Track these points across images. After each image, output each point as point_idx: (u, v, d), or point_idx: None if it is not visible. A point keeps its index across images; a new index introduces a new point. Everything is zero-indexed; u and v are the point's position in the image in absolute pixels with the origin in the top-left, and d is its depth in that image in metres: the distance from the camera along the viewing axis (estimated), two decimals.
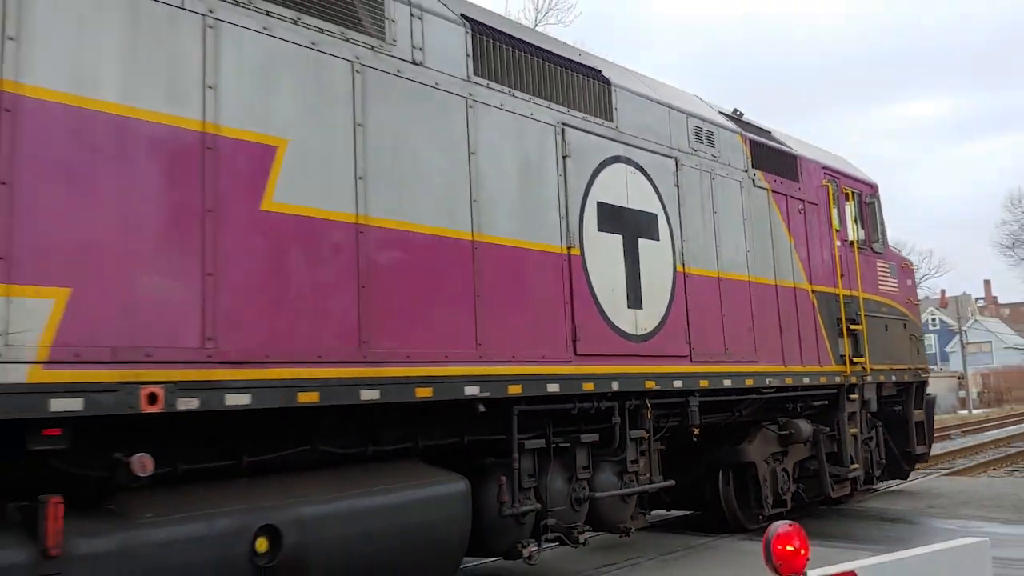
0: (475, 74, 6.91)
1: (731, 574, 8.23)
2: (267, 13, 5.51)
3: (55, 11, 4.50)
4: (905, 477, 13.76)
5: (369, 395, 5.65)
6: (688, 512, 11.33)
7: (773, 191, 10.58)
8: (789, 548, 3.11)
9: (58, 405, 4.25)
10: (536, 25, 26.67)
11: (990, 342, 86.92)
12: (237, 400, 4.95)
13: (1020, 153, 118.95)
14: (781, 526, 3.14)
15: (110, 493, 4.65)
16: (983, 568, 3.72)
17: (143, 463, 4.57)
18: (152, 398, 4.59)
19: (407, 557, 5.86)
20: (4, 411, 4.07)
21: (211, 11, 5.20)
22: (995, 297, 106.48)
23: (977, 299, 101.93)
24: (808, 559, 3.13)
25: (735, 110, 11.18)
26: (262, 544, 5.06)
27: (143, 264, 4.68)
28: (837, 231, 11.85)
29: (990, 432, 29.66)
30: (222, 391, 4.89)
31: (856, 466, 11.55)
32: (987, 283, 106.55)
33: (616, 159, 8.16)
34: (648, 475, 8.39)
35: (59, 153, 4.43)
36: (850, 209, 12.40)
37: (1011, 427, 31.85)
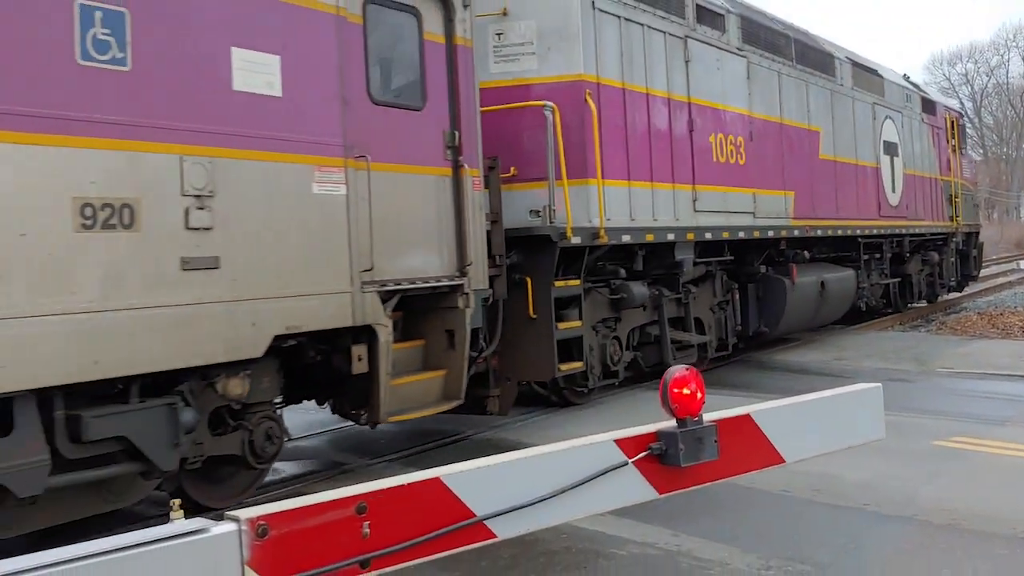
0: (854, 86, 15.01)
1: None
2: (823, 77, 13.55)
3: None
4: (961, 290, 22.68)
5: (819, 232, 14.01)
6: None
7: (929, 124, 18.89)
8: (686, 391, 3.03)
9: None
10: None
11: None
12: (815, 233, 13.27)
13: None
14: (678, 370, 3.08)
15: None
16: (876, 412, 3.73)
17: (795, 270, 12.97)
18: (785, 232, 12.91)
19: (843, 293, 14.42)
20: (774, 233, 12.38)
21: (785, 75, 13.24)
22: None
23: None
24: (704, 403, 3.09)
25: (904, 74, 19.32)
26: (820, 288, 13.50)
27: (804, 182, 12.88)
28: (949, 143, 20.28)
29: None
30: (804, 228, 13.22)
31: (953, 278, 20.48)
32: None
33: (887, 117, 16.38)
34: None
35: (771, 150, 12.59)
36: (953, 128, 20.79)
37: None
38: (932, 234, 18.82)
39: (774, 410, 3.40)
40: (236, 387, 5.51)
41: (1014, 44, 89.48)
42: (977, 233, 22.61)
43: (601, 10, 8.88)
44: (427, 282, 6.86)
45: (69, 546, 1.98)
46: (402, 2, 6.80)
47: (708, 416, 3.16)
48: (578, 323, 8.62)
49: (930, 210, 18.50)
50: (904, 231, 16.94)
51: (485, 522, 2.64)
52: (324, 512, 2.34)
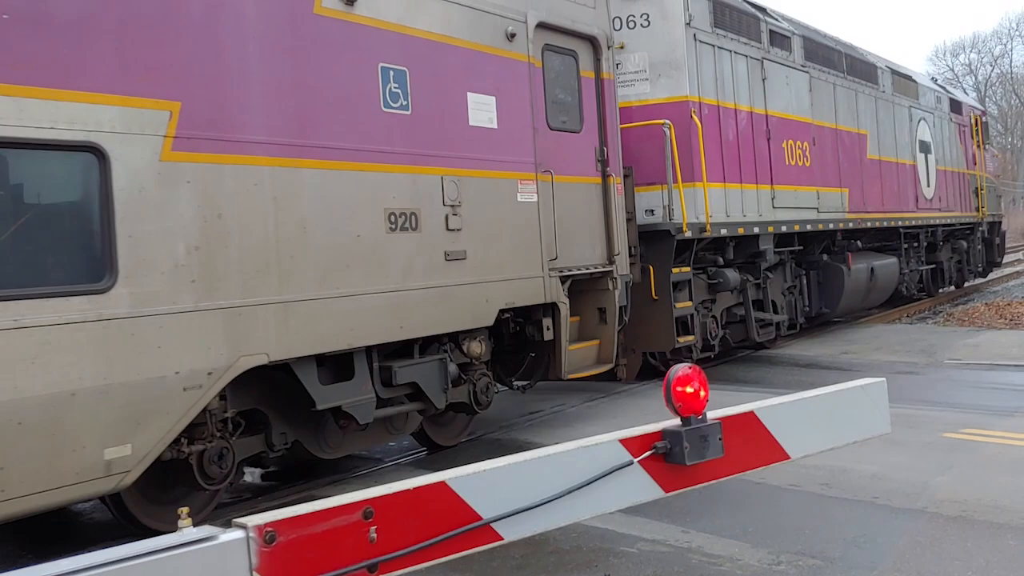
0: (894, 92, 16.72)
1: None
2: (868, 85, 15.27)
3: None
4: (986, 276, 24.33)
5: (868, 224, 15.72)
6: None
7: (956, 123, 20.60)
8: (688, 390, 3.04)
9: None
10: None
11: None
12: (865, 225, 14.99)
13: None
14: (681, 369, 3.08)
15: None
16: (881, 406, 3.68)
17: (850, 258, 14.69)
18: (842, 224, 14.64)
19: (888, 278, 16.13)
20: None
21: (839, 85, 14.97)
22: None
23: None
24: (707, 400, 3.10)
25: (932, 77, 21.01)
26: (871, 273, 15.21)
27: (855, 180, 14.60)
28: (973, 139, 21.99)
29: None
30: (857, 220, 14.94)
31: (979, 265, 22.18)
32: None
33: (921, 119, 18.09)
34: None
35: (829, 152, 14.33)
36: (976, 125, 22.49)
37: None
38: (961, 224, 20.53)
39: (778, 407, 3.41)
40: (476, 348, 7.28)
41: (1017, 33, 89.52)
42: (1000, 222, 24.33)
43: (701, 41, 10.63)
44: (588, 269, 8.61)
45: (80, 555, 2.02)
46: (565, 47, 8.55)
47: (712, 414, 3.18)
48: (689, 303, 10.38)
49: (959, 202, 20.21)
50: (937, 222, 18.65)
51: (492, 524, 2.66)
52: (331, 518, 2.36)
